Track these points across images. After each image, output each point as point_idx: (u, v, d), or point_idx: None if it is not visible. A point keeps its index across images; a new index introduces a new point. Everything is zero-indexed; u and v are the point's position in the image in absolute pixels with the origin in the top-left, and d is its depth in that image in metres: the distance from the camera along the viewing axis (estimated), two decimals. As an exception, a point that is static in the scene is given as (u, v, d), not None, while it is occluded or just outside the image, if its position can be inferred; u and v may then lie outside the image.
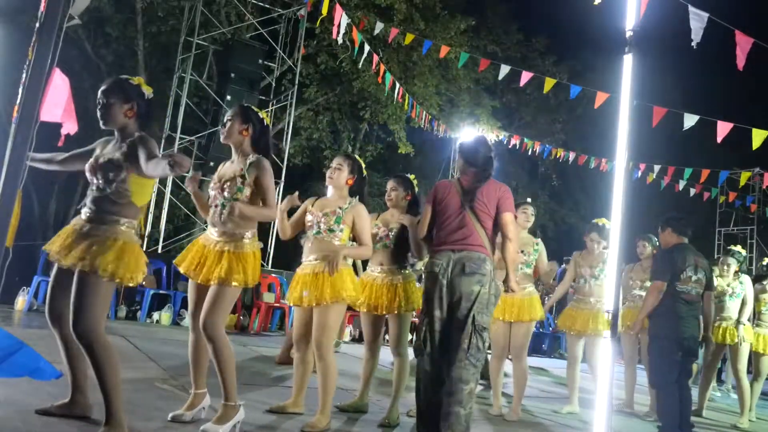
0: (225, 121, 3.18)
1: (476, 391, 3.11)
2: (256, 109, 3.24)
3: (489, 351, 4.87)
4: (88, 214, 2.74)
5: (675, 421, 4.09)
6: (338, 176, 3.59)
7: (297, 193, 3.64)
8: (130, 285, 2.80)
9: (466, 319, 3.11)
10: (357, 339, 8.79)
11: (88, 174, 2.79)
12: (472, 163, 3.47)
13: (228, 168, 3.19)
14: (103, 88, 2.81)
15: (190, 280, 3.13)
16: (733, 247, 6.09)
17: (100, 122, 2.80)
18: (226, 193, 3.07)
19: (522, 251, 4.58)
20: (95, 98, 2.80)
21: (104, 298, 2.66)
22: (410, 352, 3.70)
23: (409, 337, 4.25)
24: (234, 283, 2.96)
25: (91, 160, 2.79)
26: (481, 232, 3.27)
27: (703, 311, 4.39)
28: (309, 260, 3.48)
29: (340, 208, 3.51)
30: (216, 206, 3.11)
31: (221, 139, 3.22)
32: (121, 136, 2.82)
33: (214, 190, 3.14)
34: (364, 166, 3.75)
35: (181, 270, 3.12)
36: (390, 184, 4.11)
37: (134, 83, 2.86)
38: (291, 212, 3.72)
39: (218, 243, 3.04)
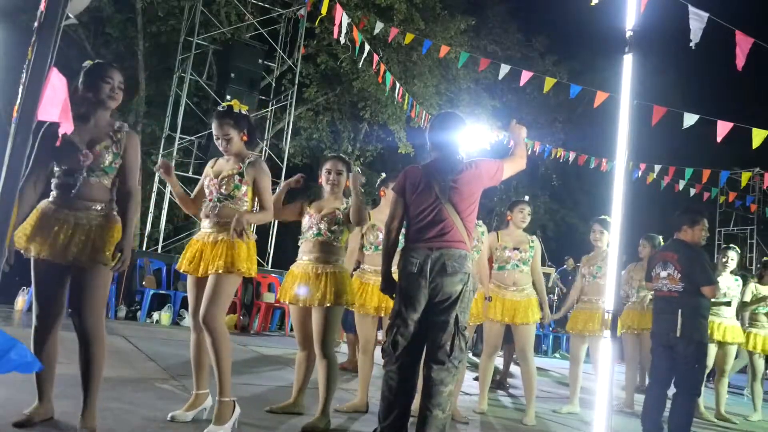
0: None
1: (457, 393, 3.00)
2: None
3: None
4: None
5: (648, 421, 4.04)
6: (340, 181, 3.63)
7: (300, 175, 3.68)
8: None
9: (449, 320, 2.90)
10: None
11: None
12: (441, 147, 3.17)
13: (224, 165, 3.22)
14: (112, 67, 2.80)
15: (189, 278, 3.16)
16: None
17: (113, 104, 2.78)
18: (223, 190, 3.11)
19: (518, 248, 4.58)
20: None
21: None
22: None
23: None
24: (236, 271, 2.98)
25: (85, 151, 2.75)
26: (460, 226, 3.00)
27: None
28: (308, 259, 3.51)
29: (338, 209, 3.54)
30: (211, 200, 3.15)
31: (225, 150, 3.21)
32: (104, 121, 2.80)
33: (210, 186, 3.17)
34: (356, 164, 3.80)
35: (182, 269, 3.13)
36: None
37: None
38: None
39: (212, 234, 3.08)
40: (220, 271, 2.97)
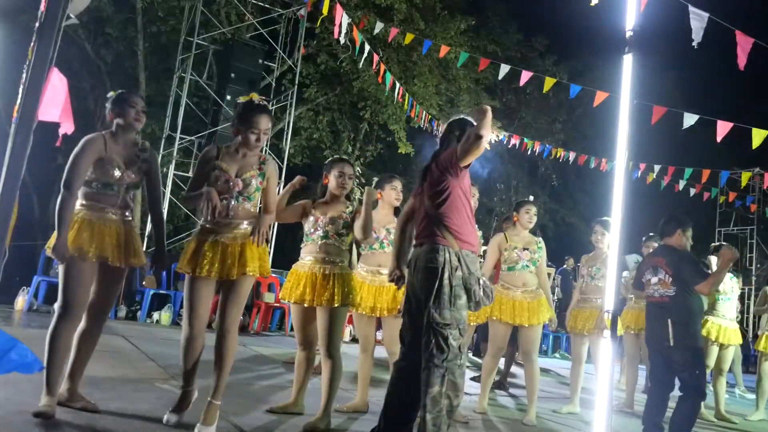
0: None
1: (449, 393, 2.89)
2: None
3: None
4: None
5: (648, 421, 4.04)
6: (349, 185, 3.64)
7: (301, 177, 3.72)
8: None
9: (425, 318, 2.84)
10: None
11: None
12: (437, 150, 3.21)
13: (239, 162, 3.08)
14: (136, 94, 3.24)
15: (195, 280, 2.99)
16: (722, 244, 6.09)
17: (138, 126, 3.15)
18: (245, 191, 3.04)
19: (527, 248, 4.57)
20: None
21: None
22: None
23: None
24: (258, 273, 3.04)
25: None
26: (434, 220, 2.94)
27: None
28: (314, 259, 3.51)
29: (344, 212, 3.55)
30: (226, 199, 3.00)
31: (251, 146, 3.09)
32: (131, 141, 3.18)
33: (230, 184, 3.02)
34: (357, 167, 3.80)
35: (203, 273, 2.95)
36: (399, 184, 4.12)
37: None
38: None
39: (236, 235, 2.99)
40: (252, 274, 2.98)
